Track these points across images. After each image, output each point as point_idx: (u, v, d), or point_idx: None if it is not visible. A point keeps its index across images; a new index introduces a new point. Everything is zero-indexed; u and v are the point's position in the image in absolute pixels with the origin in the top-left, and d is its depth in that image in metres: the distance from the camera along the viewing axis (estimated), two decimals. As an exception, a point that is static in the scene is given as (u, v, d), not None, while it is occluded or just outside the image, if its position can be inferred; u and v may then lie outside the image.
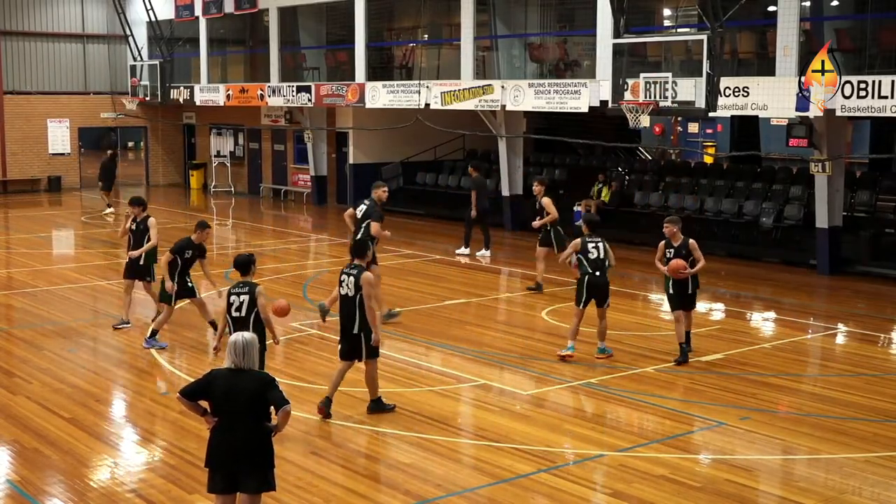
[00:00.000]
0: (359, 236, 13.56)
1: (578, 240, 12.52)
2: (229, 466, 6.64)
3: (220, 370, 6.74)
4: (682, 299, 12.39)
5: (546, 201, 16.60)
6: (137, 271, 14.17)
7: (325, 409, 10.22)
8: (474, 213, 20.09)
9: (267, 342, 9.89)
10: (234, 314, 9.71)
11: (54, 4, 34.17)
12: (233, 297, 9.75)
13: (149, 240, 13.98)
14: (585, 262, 12.36)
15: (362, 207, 14.11)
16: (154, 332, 13.22)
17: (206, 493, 8.06)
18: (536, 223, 16.75)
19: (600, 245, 12.41)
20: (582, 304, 12.36)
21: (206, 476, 6.80)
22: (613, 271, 12.90)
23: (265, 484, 6.72)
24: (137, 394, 11.38)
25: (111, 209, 27.41)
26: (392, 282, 17.31)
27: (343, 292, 10.10)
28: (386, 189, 14.48)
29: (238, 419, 6.59)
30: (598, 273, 12.32)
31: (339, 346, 10.31)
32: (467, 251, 20.57)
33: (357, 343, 10.07)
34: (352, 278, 10.02)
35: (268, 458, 6.72)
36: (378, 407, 10.44)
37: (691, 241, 12.32)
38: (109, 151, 29.46)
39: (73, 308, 15.46)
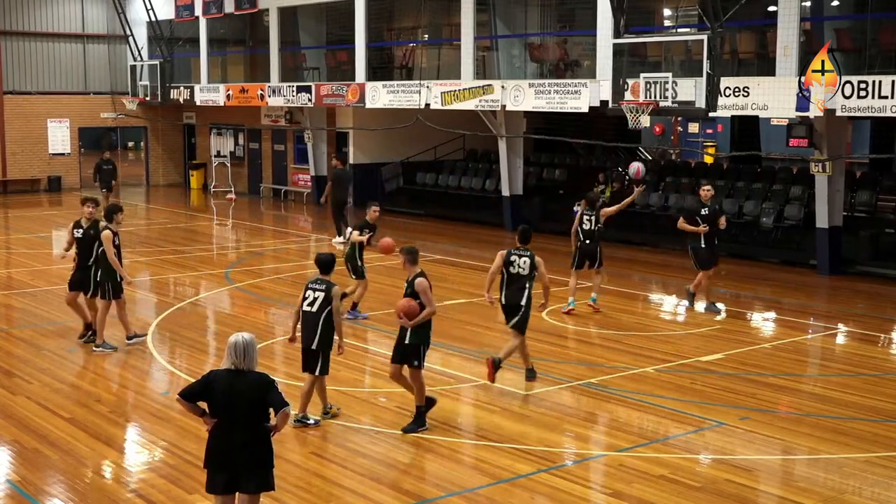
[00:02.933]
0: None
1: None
2: (229, 467, 6.65)
3: (219, 371, 6.74)
4: (397, 349, 9.98)
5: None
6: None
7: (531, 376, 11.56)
8: (324, 200, 22.35)
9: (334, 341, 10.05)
10: (306, 308, 9.85)
11: (54, 4, 34.17)
12: (308, 292, 9.91)
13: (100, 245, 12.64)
14: (580, 233, 15.25)
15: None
16: (355, 305, 14.61)
17: (206, 493, 8.08)
18: None
19: (593, 217, 15.15)
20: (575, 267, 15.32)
21: (206, 476, 6.81)
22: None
23: (265, 484, 6.75)
24: (137, 394, 11.38)
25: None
26: (392, 281, 17.30)
27: (514, 271, 11.21)
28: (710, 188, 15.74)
29: (237, 420, 6.60)
30: (588, 241, 15.21)
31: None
32: (342, 239, 21.33)
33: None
34: (525, 259, 11.19)
35: (267, 458, 6.73)
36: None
37: (420, 279, 9.71)
38: (108, 154, 28.42)
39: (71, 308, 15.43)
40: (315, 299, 9.80)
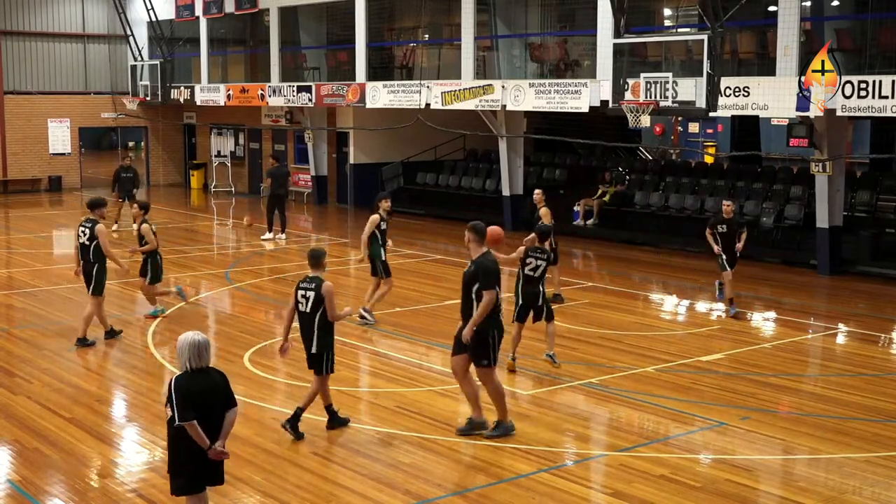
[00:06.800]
0: None
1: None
2: (206, 465, 6.71)
3: (182, 377, 6.60)
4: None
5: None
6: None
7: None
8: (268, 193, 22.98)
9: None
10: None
11: (54, 4, 34.17)
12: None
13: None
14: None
15: None
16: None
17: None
18: None
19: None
20: None
21: (179, 481, 6.73)
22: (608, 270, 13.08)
23: (222, 476, 6.94)
24: (137, 394, 11.38)
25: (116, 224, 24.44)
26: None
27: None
28: None
29: (216, 414, 6.67)
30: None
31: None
32: (270, 235, 22.91)
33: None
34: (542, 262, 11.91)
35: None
36: None
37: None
38: (127, 161, 25.78)
39: (73, 308, 15.44)
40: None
